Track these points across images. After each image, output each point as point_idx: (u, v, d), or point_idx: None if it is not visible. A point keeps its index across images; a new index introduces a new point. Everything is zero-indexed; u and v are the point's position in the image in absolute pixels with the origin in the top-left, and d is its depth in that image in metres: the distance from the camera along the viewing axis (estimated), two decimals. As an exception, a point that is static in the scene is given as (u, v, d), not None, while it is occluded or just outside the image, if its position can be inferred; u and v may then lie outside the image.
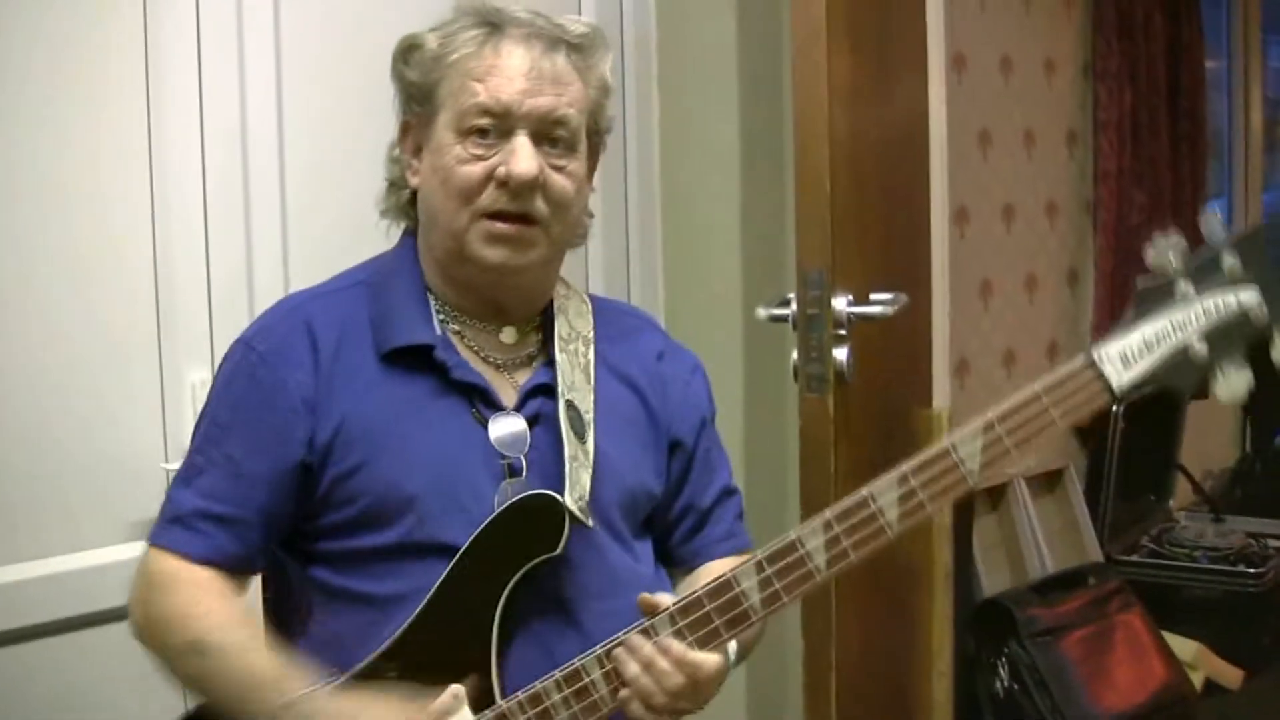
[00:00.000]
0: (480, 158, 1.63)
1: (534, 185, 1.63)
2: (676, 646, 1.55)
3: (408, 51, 1.72)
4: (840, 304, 2.40)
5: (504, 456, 1.67)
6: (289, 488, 1.66)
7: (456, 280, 1.73)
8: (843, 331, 2.40)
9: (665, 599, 1.58)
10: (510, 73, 1.63)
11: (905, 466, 1.55)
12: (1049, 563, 4.68)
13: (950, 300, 3.21)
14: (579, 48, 1.70)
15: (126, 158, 2.45)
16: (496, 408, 1.69)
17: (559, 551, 1.60)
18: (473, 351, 1.73)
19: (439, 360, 1.67)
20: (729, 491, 1.92)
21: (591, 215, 1.82)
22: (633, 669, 1.54)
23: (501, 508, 1.62)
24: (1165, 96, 5.34)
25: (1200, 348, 1.54)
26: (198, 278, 2.52)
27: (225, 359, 1.74)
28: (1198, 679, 4.40)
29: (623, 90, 3.34)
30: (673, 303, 3.42)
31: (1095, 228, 5.19)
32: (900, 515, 1.55)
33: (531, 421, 1.70)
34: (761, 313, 2.50)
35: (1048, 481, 4.95)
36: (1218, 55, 6.37)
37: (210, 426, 1.69)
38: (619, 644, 1.56)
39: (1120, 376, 1.53)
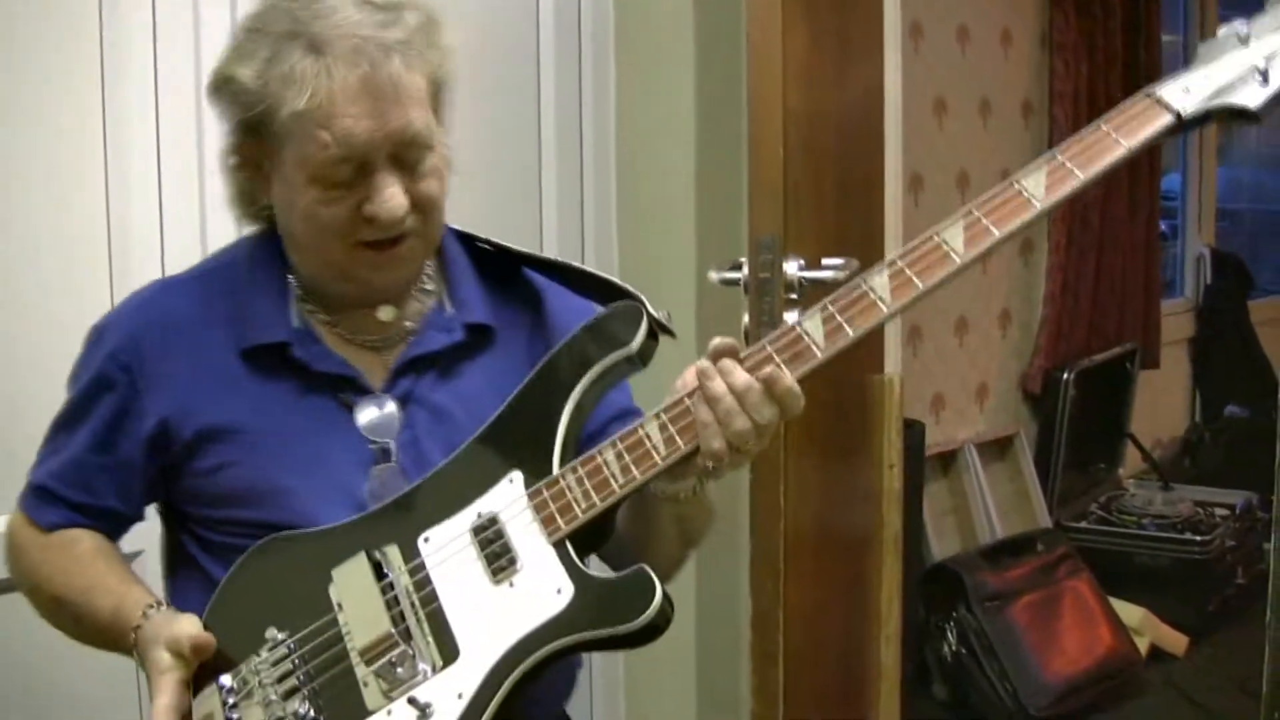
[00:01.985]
0: (341, 198, 1.54)
1: (405, 216, 1.57)
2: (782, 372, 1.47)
3: (221, 88, 1.58)
4: (792, 268, 2.41)
5: (373, 442, 1.63)
6: (140, 477, 1.66)
7: (333, 288, 1.66)
8: (794, 296, 2.42)
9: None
10: (352, 108, 1.49)
11: (971, 205, 1.48)
12: (999, 529, 4.74)
13: (903, 268, 3.22)
14: (407, 44, 1.55)
15: (82, 147, 2.44)
16: (365, 392, 1.64)
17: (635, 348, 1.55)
18: (342, 338, 1.67)
19: (296, 357, 1.63)
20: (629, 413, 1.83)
21: (449, 148, 1.69)
22: (719, 387, 1.46)
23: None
24: (1122, 70, 5.37)
25: (1266, 65, 1.46)
26: (153, 268, 2.50)
27: (83, 343, 1.70)
28: (1143, 645, 4.47)
29: (579, 58, 3.34)
30: (626, 267, 3.43)
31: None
32: (969, 240, 1.47)
33: (402, 401, 1.65)
34: (714, 276, 2.50)
35: (998, 448, 5.00)
36: (1175, 30, 6.41)
37: (66, 411, 1.69)
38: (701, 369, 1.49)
39: (1184, 100, 1.47)
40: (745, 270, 2.43)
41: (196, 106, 2.49)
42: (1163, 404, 6.20)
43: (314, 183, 1.54)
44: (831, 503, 3.11)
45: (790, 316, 2.41)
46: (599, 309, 1.67)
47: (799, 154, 2.50)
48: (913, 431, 3.75)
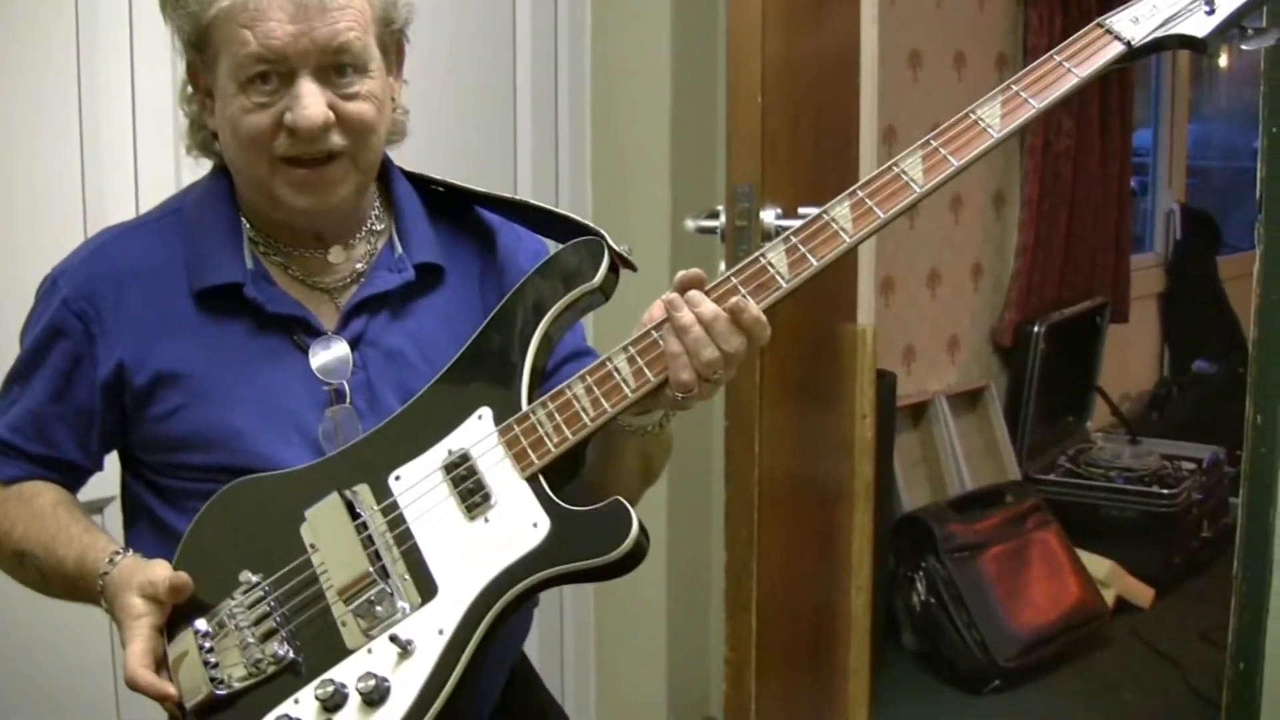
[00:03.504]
0: (265, 105, 1.53)
1: (325, 128, 1.54)
2: (748, 301, 1.47)
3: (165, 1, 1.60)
4: (769, 217, 2.42)
5: (327, 384, 1.62)
6: (97, 426, 1.65)
7: (273, 217, 1.65)
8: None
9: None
10: (278, 13, 1.49)
11: (929, 136, 1.50)
12: (968, 480, 4.77)
13: (876, 218, 3.22)
14: None
15: (59, 140, 2.42)
16: (318, 334, 1.64)
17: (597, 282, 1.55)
18: (294, 279, 1.66)
19: (250, 298, 1.61)
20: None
21: (406, 111, 1.71)
22: (687, 317, 1.47)
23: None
24: (1095, 23, 5.36)
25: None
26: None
27: (37, 291, 1.68)
28: (1110, 596, 4.51)
29: (555, 4, 3.32)
30: (601, 215, 3.42)
31: (1022, 151, 5.23)
32: (927, 170, 1.49)
33: (354, 343, 1.65)
34: (690, 224, 2.51)
35: (969, 400, 5.02)
36: (1149, -17, 6.38)
37: (20, 362, 1.67)
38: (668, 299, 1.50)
39: (1133, 30, 1.51)
40: (722, 218, 2.43)
41: (172, 75, 2.47)
42: (1131, 358, 6.24)
43: (240, 90, 1.53)
44: (804, 452, 3.12)
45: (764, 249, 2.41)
46: (551, 247, 1.67)
47: (777, 103, 2.50)
48: (884, 382, 3.76)
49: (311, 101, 1.52)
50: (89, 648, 2.42)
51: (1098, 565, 4.55)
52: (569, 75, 3.37)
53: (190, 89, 1.64)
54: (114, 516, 1.84)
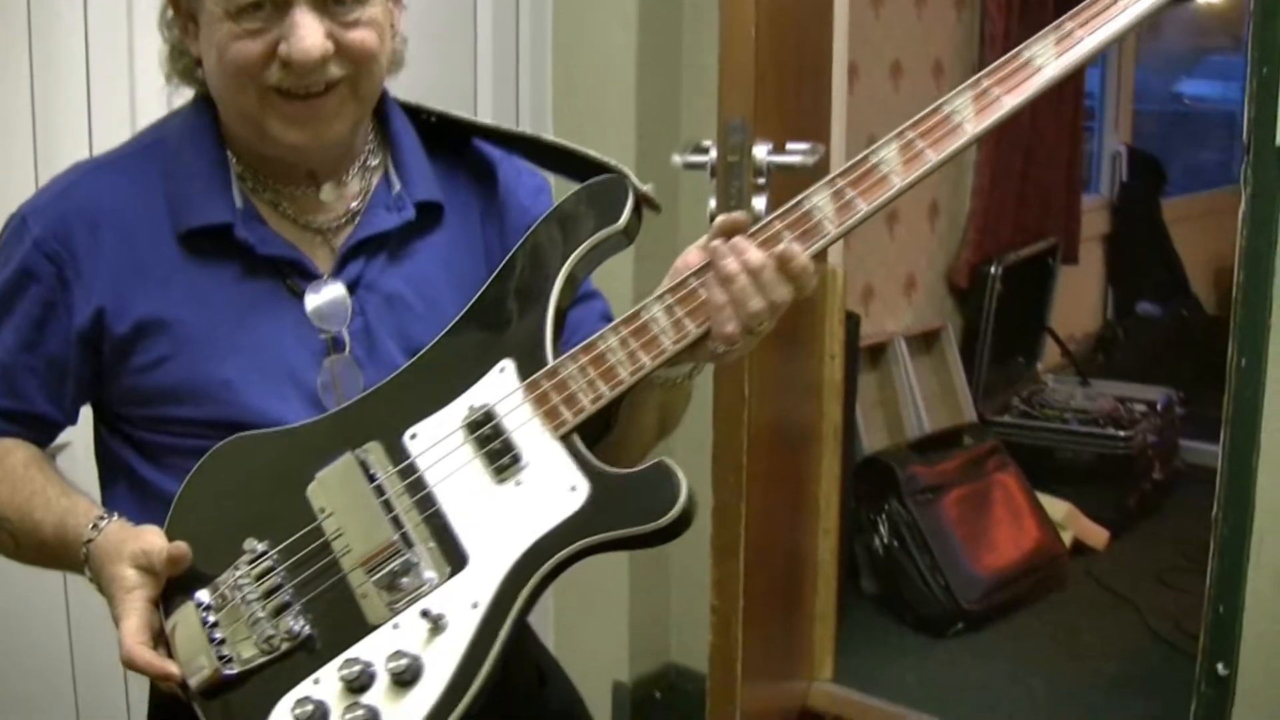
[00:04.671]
0: (257, 32, 1.41)
1: (323, 60, 1.42)
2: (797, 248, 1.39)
3: None
4: (761, 153, 2.35)
5: (324, 331, 1.51)
6: (71, 378, 1.52)
7: (261, 151, 1.52)
8: (761, 181, 2.35)
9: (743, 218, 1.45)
10: None
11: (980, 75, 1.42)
12: (925, 422, 4.74)
13: (845, 156, 3.18)
14: None
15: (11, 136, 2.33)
16: (313, 277, 1.52)
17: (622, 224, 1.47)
18: (286, 218, 1.54)
19: (241, 239, 1.49)
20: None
21: (405, 39, 1.59)
22: (733, 266, 1.39)
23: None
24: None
25: None
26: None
27: (1, 232, 1.55)
28: (1066, 539, 4.51)
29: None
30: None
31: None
32: (980, 111, 1.40)
33: (352, 286, 1.53)
34: (677, 159, 2.42)
35: (925, 342, 4.99)
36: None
37: None
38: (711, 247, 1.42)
39: None
40: (712, 154, 2.36)
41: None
42: (1077, 300, 6.23)
43: (229, 16, 1.41)
44: (783, 396, 3.07)
45: (759, 202, 2.34)
46: (546, 181, 1.61)
47: (767, 36, 2.43)
48: (850, 323, 3.70)
49: (309, 33, 1.40)
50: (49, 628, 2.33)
51: (1055, 508, 4.55)
52: (530, 8, 3.29)
53: (171, 13, 1.51)
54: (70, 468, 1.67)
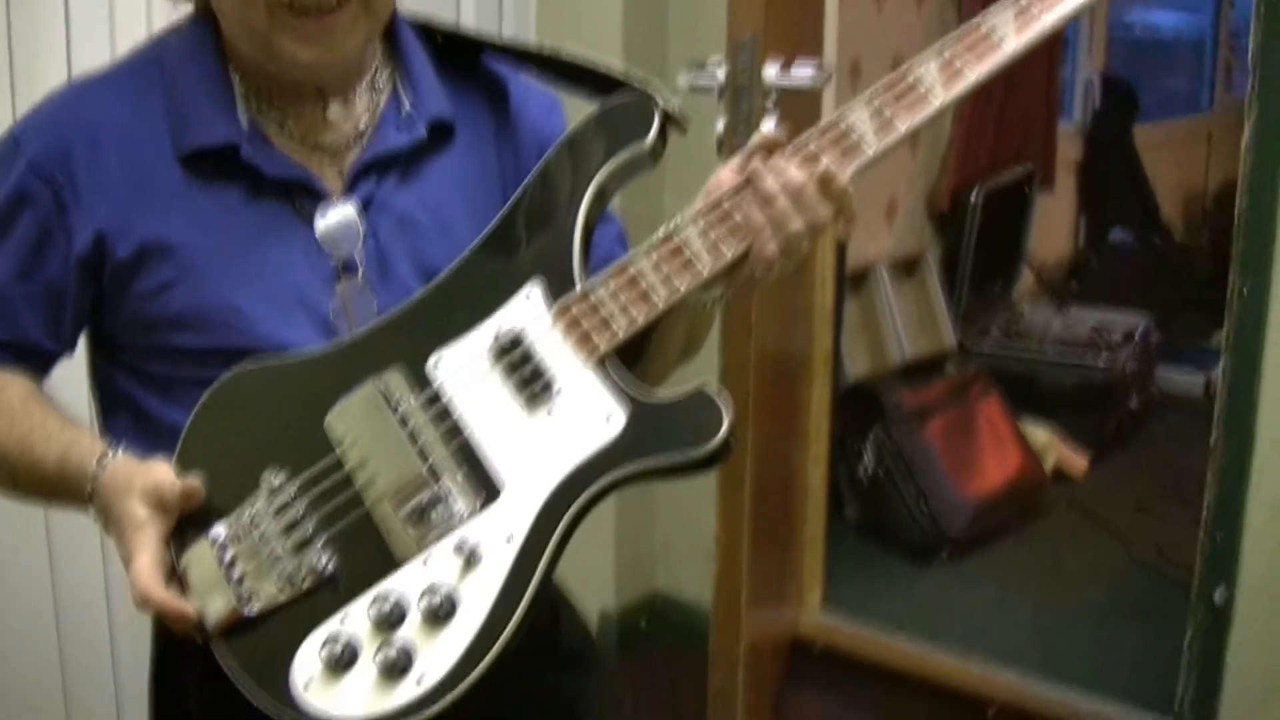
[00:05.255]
0: None
1: None
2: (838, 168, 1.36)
3: None
4: (770, 73, 2.28)
5: (335, 254, 1.45)
6: (70, 306, 1.45)
7: (267, 69, 1.45)
8: (771, 103, 2.29)
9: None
10: None
11: None
12: (906, 349, 4.71)
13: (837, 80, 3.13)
14: None
15: None
16: (322, 198, 1.46)
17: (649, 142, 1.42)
18: (293, 138, 1.48)
19: (247, 160, 1.43)
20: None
21: None
22: (772, 185, 1.36)
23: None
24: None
25: None
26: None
27: None
28: (1047, 465, 4.51)
29: None
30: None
31: (959, 14, 5.12)
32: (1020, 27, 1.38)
33: (363, 207, 1.47)
34: (683, 80, 2.35)
35: (906, 268, 4.95)
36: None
37: None
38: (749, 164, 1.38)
39: None
40: (720, 73, 2.29)
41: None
42: (1050, 226, 6.20)
43: None
44: (780, 322, 3.02)
45: (767, 124, 2.28)
46: (558, 100, 1.55)
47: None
48: (838, 249, 3.66)
49: None
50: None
51: (1037, 435, 4.54)
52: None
53: None
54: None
